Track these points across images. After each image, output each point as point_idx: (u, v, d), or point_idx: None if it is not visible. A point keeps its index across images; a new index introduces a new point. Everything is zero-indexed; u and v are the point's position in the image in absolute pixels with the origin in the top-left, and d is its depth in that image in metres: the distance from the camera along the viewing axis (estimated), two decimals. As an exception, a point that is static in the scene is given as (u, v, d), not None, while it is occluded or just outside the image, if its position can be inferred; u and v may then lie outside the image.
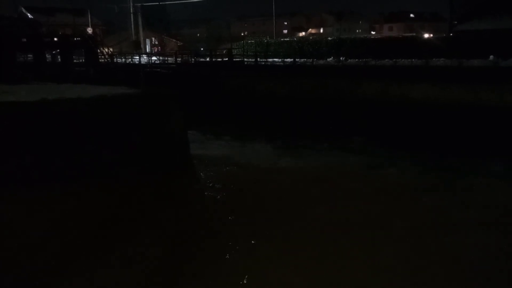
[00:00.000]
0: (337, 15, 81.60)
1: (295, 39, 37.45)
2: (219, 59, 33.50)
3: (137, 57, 36.79)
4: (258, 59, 29.69)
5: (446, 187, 12.16)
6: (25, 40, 29.56)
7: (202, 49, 48.88)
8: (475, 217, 9.73)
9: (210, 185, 12.58)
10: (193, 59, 33.43)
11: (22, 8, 59.06)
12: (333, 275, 7.47)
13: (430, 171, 13.84)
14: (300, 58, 28.13)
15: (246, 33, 76.83)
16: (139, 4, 49.92)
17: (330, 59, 27.15)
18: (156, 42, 62.18)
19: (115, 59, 36.99)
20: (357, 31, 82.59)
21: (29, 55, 34.62)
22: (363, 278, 7.32)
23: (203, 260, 7.94)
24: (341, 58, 26.74)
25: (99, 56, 32.74)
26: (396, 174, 13.55)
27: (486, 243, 8.42)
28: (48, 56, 35.30)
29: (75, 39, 33.63)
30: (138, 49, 45.32)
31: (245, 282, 7.25)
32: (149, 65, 34.30)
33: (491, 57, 20.36)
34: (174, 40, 64.82)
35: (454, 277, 7.38)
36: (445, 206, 10.55)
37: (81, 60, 33.72)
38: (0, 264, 7.56)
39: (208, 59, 34.12)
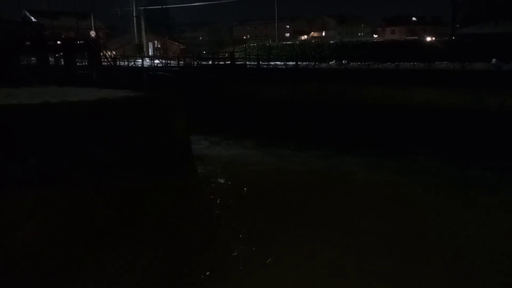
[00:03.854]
0: (339, 19, 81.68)
1: (297, 42, 37.41)
2: (221, 62, 33.54)
3: (140, 60, 36.90)
4: (261, 62, 29.70)
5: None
6: (28, 43, 29.63)
7: (204, 52, 48.96)
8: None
9: (211, 187, 12.59)
10: (195, 63, 33.48)
11: (26, 11, 59.44)
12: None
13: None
14: (302, 62, 28.14)
15: (248, 36, 77.20)
16: (142, 8, 50.17)
17: (332, 62, 27.15)
18: (159, 46, 62.35)
19: (118, 62, 37.08)
20: (359, 34, 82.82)
21: (32, 58, 34.76)
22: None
23: (203, 263, 7.94)
24: (343, 62, 26.77)
25: (102, 59, 32.79)
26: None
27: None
28: (51, 59, 35.37)
29: (78, 42, 33.68)
30: (141, 52, 45.47)
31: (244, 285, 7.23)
32: (152, 68, 34.40)
33: (494, 60, 20.34)
34: (176, 44, 65.00)
35: None
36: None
37: (84, 63, 33.81)
38: (0, 264, 7.58)
39: (210, 62, 34.17)
